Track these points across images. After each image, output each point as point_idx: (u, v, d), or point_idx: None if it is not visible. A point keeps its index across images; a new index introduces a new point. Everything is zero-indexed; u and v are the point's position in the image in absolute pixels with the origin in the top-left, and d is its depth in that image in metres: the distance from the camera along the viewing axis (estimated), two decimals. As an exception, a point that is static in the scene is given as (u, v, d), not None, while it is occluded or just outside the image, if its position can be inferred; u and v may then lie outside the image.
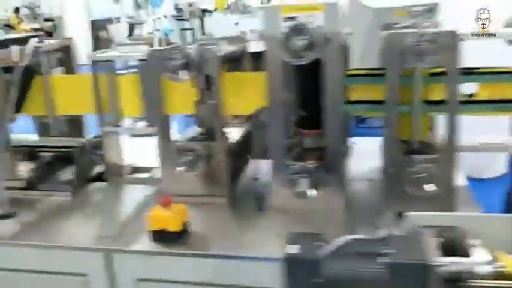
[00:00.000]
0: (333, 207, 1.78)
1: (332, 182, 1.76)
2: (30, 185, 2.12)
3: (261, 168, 2.23)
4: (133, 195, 2.13)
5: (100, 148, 2.22)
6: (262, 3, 15.77)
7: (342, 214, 1.77)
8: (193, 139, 1.98)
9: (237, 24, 13.31)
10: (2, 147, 1.97)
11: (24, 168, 2.19)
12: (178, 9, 13.05)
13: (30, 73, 2.17)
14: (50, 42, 2.23)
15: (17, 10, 8.93)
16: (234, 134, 2.14)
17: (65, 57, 2.33)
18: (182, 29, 13.22)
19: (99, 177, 2.27)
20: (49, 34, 8.01)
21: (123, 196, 2.17)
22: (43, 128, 2.38)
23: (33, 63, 2.10)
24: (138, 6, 11.39)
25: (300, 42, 1.51)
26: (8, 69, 2.03)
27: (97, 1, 13.38)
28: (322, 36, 1.57)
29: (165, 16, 12.27)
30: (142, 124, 2.21)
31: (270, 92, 1.72)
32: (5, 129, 1.97)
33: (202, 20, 13.84)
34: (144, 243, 1.68)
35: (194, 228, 1.72)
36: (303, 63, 1.58)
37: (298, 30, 1.53)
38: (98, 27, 12.80)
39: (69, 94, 2.25)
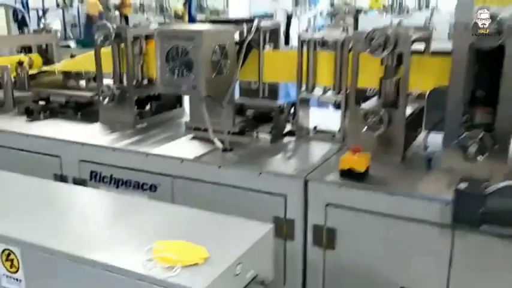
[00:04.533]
0: (496, 172, 2.07)
1: (497, 150, 2.07)
2: (241, 131, 2.78)
3: (430, 139, 2.57)
4: (318, 147, 2.67)
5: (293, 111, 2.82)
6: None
7: (504, 176, 2.06)
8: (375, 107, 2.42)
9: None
10: (229, 101, 2.63)
11: (236, 120, 2.85)
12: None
13: (249, 47, 2.81)
14: (266, 23, 2.86)
15: None
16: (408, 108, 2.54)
17: (275, 37, 2.96)
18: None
19: (291, 133, 2.86)
20: None
21: (311, 147, 2.71)
22: (248, 91, 3.02)
23: (252, 39, 2.74)
24: None
25: (489, 28, 1.88)
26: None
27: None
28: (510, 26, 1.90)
29: (321, 13, 12.90)
30: (330, 93, 2.74)
31: (454, 72, 2.10)
32: (233, 89, 2.64)
33: (356, 19, 14.29)
34: (334, 177, 2.19)
35: (373, 173, 2.18)
36: (489, 46, 1.94)
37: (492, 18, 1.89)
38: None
39: (276, 66, 2.87)
